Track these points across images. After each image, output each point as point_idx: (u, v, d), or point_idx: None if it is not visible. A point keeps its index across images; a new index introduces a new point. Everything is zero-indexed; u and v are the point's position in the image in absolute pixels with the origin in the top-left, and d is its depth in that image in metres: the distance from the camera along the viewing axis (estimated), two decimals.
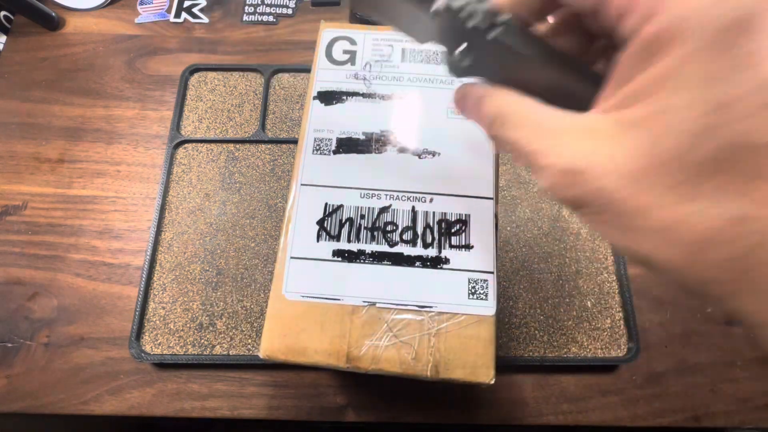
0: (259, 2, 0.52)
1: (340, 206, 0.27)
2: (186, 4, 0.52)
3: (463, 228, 0.27)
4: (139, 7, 0.52)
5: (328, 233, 0.27)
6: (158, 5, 0.52)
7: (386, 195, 0.27)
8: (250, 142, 0.44)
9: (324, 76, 0.31)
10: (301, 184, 0.28)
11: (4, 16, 0.51)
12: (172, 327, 0.38)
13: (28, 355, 0.38)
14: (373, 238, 0.27)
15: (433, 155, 0.28)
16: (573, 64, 0.17)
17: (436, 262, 0.26)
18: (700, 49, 0.12)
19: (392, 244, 0.26)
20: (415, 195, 0.27)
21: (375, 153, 0.29)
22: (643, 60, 0.13)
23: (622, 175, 0.13)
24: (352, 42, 0.32)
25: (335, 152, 0.29)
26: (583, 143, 0.14)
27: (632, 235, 0.13)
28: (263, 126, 0.45)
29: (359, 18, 0.49)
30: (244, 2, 0.52)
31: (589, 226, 0.14)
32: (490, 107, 0.17)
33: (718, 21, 0.11)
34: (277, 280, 0.26)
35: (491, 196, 0.27)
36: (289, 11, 0.52)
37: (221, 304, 0.39)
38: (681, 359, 0.38)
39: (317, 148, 0.29)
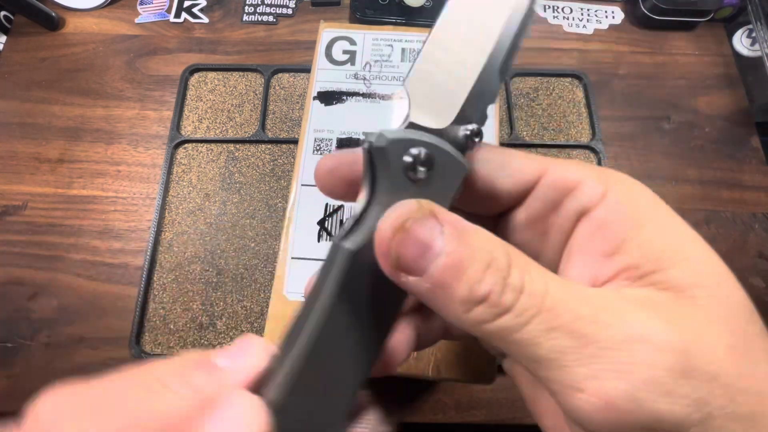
0: (259, 2, 0.52)
1: (341, 206, 0.27)
2: (186, 4, 0.52)
3: None
4: (139, 7, 0.52)
5: (328, 233, 0.27)
6: (158, 5, 0.52)
7: None
8: (250, 142, 0.44)
9: (324, 76, 0.31)
10: (302, 185, 0.28)
11: (4, 16, 0.51)
12: (172, 327, 0.38)
13: (28, 355, 0.38)
14: None
15: None
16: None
17: None
18: None
19: None
20: None
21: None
22: None
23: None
24: (352, 42, 0.32)
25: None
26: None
27: None
28: (263, 126, 0.45)
29: (359, 18, 0.49)
30: (244, 2, 0.52)
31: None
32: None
33: None
34: (278, 281, 0.26)
35: None
36: (289, 11, 0.52)
37: (221, 304, 0.39)
38: None
39: (317, 148, 0.29)
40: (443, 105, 0.13)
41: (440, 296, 0.12)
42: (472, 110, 0.14)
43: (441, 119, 0.14)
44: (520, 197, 0.16)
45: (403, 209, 0.12)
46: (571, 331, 0.11)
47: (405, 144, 0.13)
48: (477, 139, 0.14)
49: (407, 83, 0.14)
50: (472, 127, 0.14)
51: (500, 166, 0.15)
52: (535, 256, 0.14)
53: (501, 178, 0.15)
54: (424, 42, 0.14)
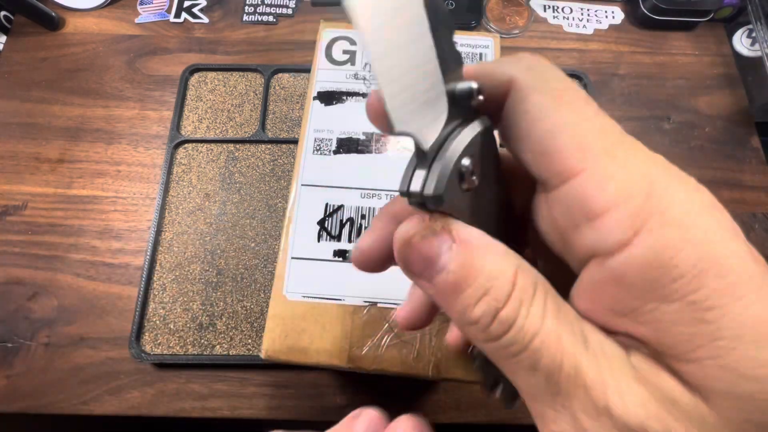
0: (259, 2, 0.52)
1: (341, 206, 0.27)
2: (186, 4, 0.52)
3: None
4: (139, 7, 0.52)
5: (328, 233, 0.27)
6: (158, 5, 0.52)
7: (387, 195, 0.27)
8: (250, 142, 0.44)
9: (324, 76, 0.31)
10: (302, 185, 0.28)
11: (4, 16, 0.51)
12: (172, 327, 0.38)
13: (28, 355, 0.38)
14: None
15: None
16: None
17: None
18: None
19: None
20: None
21: (375, 153, 0.29)
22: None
23: None
24: (352, 42, 0.32)
25: (335, 152, 0.29)
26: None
27: None
28: (263, 126, 0.45)
29: None
30: (244, 2, 0.52)
31: None
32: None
33: None
34: (278, 281, 0.26)
35: None
36: (289, 11, 0.52)
37: (221, 304, 0.39)
38: None
39: (317, 148, 0.29)
40: (430, 103, 0.12)
41: (442, 303, 0.12)
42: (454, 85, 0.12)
43: (436, 115, 0.12)
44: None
45: (410, 225, 0.13)
46: (547, 376, 0.11)
47: (453, 175, 0.12)
48: (480, 96, 0.12)
49: (397, 125, 0.12)
50: (466, 86, 0.12)
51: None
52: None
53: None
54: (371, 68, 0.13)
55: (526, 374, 0.11)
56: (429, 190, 0.12)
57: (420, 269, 0.12)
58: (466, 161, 0.12)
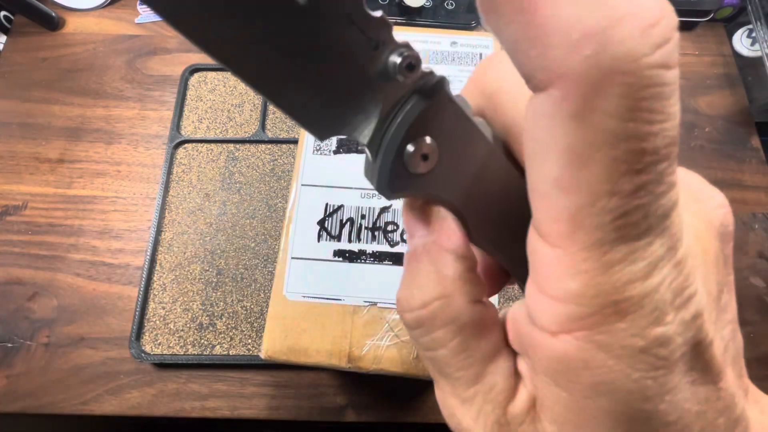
0: None
1: (341, 206, 0.27)
2: None
3: None
4: (139, 7, 0.52)
5: (328, 233, 0.27)
6: None
7: None
8: (250, 142, 0.44)
9: None
10: (302, 185, 0.28)
11: (4, 16, 0.51)
12: (172, 327, 0.38)
13: (28, 355, 0.38)
14: (374, 238, 0.27)
15: None
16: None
17: None
18: None
19: (393, 244, 0.26)
20: None
21: None
22: None
23: None
24: None
25: (335, 152, 0.29)
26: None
27: None
28: (263, 126, 0.45)
29: None
30: None
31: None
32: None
33: None
34: (278, 281, 0.26)
35: None
36: None
37: (221, 304, 0.39)
38: None
39: (317, 148, 0.29)
40: (351, 96, 0.10)
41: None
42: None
43: (365, 105, 0.10)
44: None
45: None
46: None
47: (396, 166, 0.11)
48: (414, 67, 0.10)
49: (320, 137, 0.11)
50: (396, 59, 0.10)
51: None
52: None
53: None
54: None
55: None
56: (376, 186, 0.11)
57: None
58: (410, 147, 0.11)
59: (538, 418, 0.11)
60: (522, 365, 0.12)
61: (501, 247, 0.13)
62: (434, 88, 0.11)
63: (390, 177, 0.11)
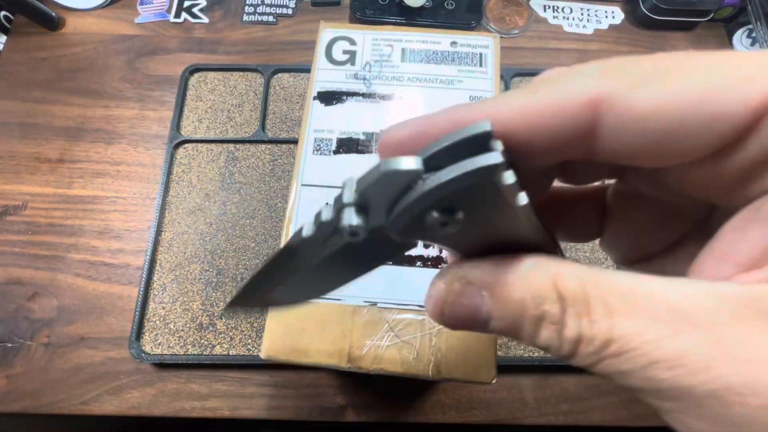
0: (259, 2, 0.52)
1: None
2: (186, 4, 0.52)
3: None
4: (139, 7, 0.52)
5: None
6: (158, 5, 0.52)
7: None
8: (250, 142, 0.44)
9: (324, 76, 0.31)
10: (302, 185, 0.28)
11: (4, 16, 0.51)
12: (172, 327, 0.38)
13: (28, 355, 0.38)
14: None
15: None
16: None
17: (437, 262, 0.26)
18: None
19: None
20: None
21: (375, 153, 0.29)
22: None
23: None
24: (352, 42, 0.32)
25: (335, 152, 0.29)
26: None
27: None
28: (263, 126, 0.45)
29: (359, 18, 0.49)
30: (244, 2, 0.52)
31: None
32: (566, 286, 0.10)
33: None
34: None
35: None
36: (289, 11, 0.52)
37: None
38: None
39: (317, 148, 0.29)
40: None
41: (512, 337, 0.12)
42: None
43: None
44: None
45: (435, 295, 0.12)
46: (644, 378, 0.09)
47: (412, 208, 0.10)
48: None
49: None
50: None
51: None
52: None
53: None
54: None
55: (617, 377, 0.10)
56: (386, 227, 0.11)
57: (471, 326, 0.12)
58: (434, 214, 0.10)
59: None
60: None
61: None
62: (485, 173, 0.09)
63: (403, 229, 0.10)
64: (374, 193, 0.10)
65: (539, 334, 0.11)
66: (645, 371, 0.09)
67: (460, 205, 0.10)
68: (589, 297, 0.10)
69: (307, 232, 0.12)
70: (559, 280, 0.10)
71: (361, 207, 0.10)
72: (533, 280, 0.11)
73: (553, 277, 0.10)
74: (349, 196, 0.10)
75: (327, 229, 0.11)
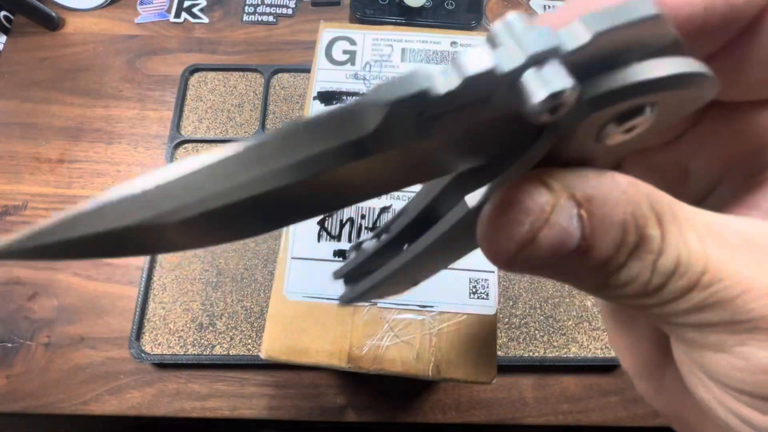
0: (259, 2, 0.52)
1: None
2: (186, 4, 0.52)
3: None
4: (139, 7, 0.52)
5: (328, 233, 0.27)
6: (158, 5, 0.52)
7: (386, 195, 0.27)
8: None
9: (324, 76, 0.31)
10: None
11: (4, 16, 0.51)
12: (172, 327, 0.38)
13: (28, 355, 0.38)
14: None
15: None
16: None
17: None
18: None
19: None
20: None
21: None
22: None
23: None
24: (352, 42, 0.32)
25: None
26: None
27: None
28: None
29: (359, 18, 0.49)
30: (244, 2, 0.52)
31: None
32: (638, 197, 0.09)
33: None
34: (278, 281, 0.26)
35: None
36: (289, 11, 0.52)
37: (221, 304, 0.39)
38: None
39: None
40: None
41: (579, 282, 0.10)
42: None
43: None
44: None
45: (527, 211, 0.09)
46: (732, 310, 0.09)
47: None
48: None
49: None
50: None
51: None
52: None
53: None
54: None
55: (693, 317, 0.09)
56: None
57: (559, 260, 0.09)
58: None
59: None
60: None
61: None
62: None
63: (597, 105, 0.08)
64: (609, 44, 0.06)
65: (629, 265, 0.09)
66: (734, 302, 0.08)
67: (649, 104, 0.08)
68: (682, 223, 0.09)
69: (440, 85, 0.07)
70: (654, 201, 0.09)
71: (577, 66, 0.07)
72: (634, 198, 0.09)
73: (649, 198, 0.09)
74: (574, 37, 0.06)
75: (486, 89, 0.07)
